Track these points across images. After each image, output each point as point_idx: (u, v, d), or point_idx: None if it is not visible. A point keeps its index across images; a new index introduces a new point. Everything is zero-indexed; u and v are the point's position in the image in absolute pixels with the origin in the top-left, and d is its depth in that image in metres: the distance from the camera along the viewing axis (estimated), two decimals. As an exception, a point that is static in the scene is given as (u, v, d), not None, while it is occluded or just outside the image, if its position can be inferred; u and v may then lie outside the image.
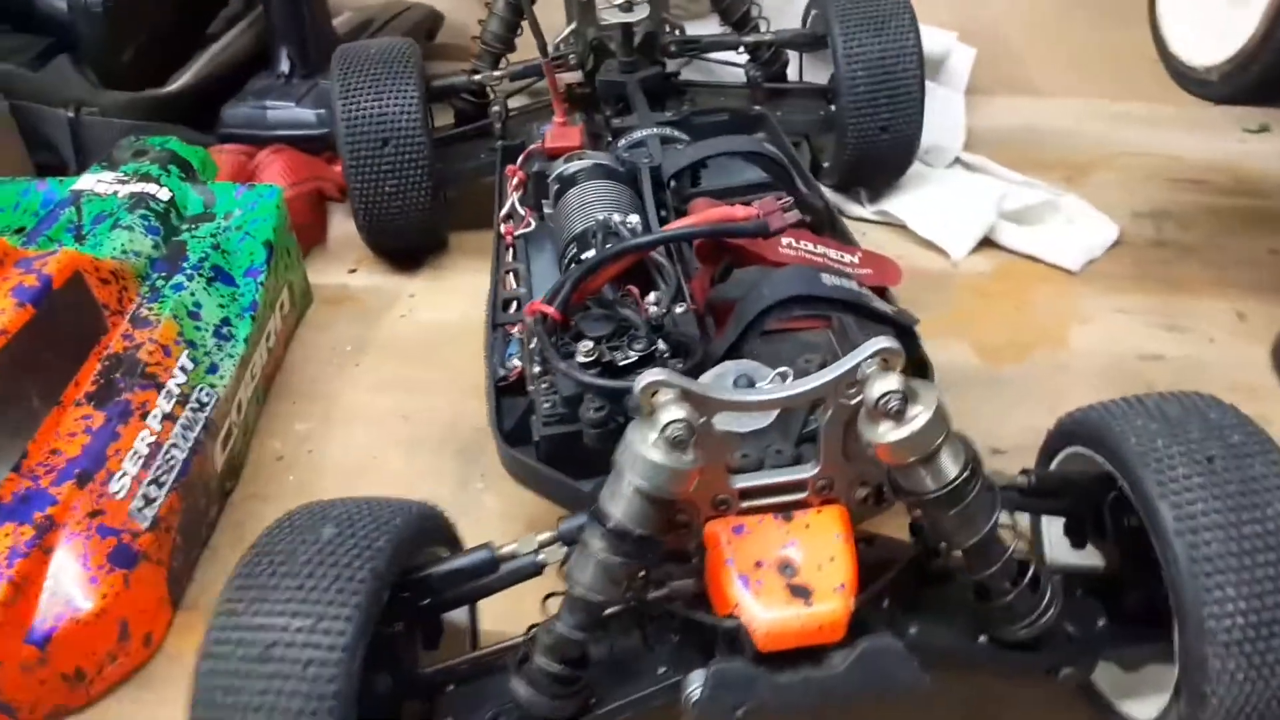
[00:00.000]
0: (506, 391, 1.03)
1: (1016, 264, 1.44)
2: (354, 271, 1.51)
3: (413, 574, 0.77)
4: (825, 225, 1.19)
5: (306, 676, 0.64)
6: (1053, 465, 0.88)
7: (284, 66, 1.60)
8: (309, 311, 1.43)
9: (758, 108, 1.45)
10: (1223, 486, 0.72)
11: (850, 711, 0.71)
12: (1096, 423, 0.81)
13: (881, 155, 1.46)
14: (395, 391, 1.29)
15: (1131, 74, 1.76)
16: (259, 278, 1.26)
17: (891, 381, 0.66)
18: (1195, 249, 1.46)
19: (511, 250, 1.23)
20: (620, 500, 0.68)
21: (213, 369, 1.14)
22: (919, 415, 0.66)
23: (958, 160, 1.61)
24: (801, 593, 0.70)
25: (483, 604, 0.86)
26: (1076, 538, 0.88)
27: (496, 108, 1.43)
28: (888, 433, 0.67)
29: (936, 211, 1.48)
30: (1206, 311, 1.34)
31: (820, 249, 1.05)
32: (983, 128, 1.66)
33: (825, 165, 1.51)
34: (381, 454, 1.21)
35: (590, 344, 0.90)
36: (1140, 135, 1.70)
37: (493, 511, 1.12)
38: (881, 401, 0.66)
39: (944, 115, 1.62)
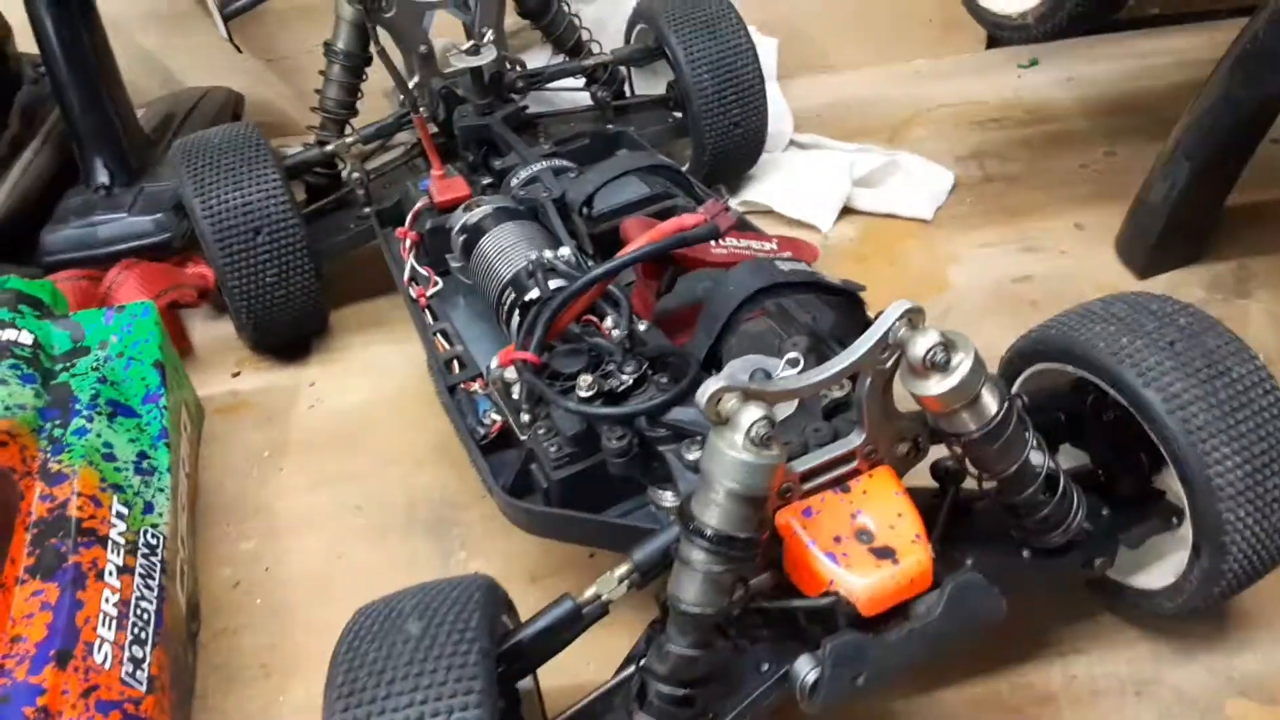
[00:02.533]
0: (486, 450, 1.01)
1: (878, 224, 1.56)
2: (238, 375, 1.42)
3: (500, 645, 0.74)
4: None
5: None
6: (1015, 386, 0.97)
7: (102, 178, 1.46)
8: (204, 427, 1.33)
9: (611, 127, 1.48)
10: (1191, 364, 0.82)
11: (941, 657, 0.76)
12: (1059, 338, 0.89)
13: (737, 149, 1.53)
14: (333, 486, 1.23)
15: (911, 36, 1.95)
16: (159, 401, 1.16)
17: (933, 336, 0.71)
18: (1019, 178, 1.63)
19: (428, 312, 1.20)
20: (715, 508, 0.69)
21: (149, 508, 1.05)
22: (963, 361, 0.71)
23: (792, 142, 1.71)
24: (886, 554, 0.74)
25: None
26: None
27: (356, 175, 1.38)
28: (936, 384, 0.72)
29: (797, 192, 1.56)
30: (1049, 229, 1.50)
31: (744, 243, 1.10)
32: (800, 108, 1.77)
33: (683, 168, 1.56)
34: (346, 552, 1.15)
35: (588, 378, 0.91)
36: (937, 89, 1.87)
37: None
38: (928, 356, 0.71)
39: (769, 104, 1.71)
